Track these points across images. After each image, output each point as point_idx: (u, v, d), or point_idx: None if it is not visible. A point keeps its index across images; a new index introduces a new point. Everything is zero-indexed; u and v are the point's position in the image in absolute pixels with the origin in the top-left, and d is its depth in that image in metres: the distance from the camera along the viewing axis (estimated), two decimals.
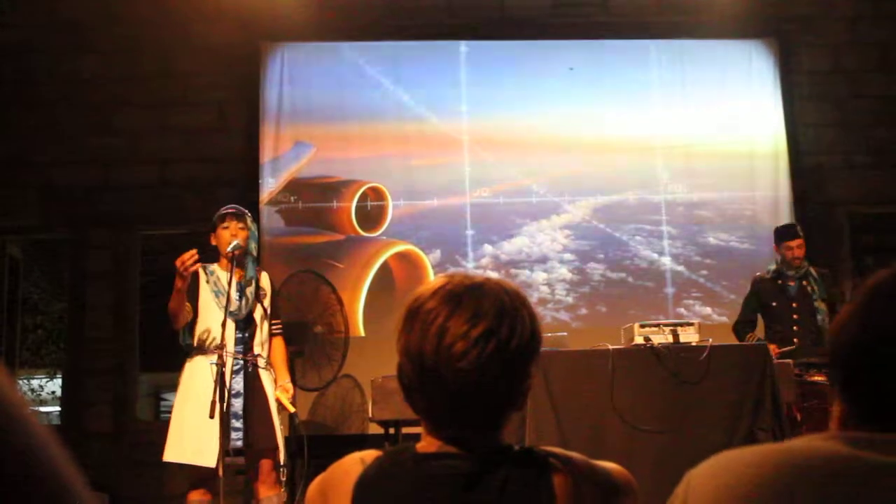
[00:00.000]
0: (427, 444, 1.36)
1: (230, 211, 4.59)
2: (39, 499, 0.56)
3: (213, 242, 4.53)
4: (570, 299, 6.78)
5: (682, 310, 6.80)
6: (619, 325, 6.52)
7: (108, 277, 6.70)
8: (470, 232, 6.87)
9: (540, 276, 6.82)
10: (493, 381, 1.30)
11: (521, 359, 1.34)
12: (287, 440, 4.56)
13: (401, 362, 1.36)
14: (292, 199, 6.87)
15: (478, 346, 1.28)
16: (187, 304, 4.38)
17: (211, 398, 3.98)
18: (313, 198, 6.89)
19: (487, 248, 6.85)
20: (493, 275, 6.51)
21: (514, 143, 6.98)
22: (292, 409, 4.45)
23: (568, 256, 6.86)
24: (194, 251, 4.20)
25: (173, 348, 4.66)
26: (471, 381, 1.28)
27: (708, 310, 6.83)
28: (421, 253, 6.81)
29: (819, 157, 7.08)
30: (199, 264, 4.32)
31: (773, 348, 5.36)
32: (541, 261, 6.86)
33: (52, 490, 0.58)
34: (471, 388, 1.28)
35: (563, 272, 6.83)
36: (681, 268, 6.90)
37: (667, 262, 6.89)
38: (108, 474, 5.97)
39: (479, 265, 6.80)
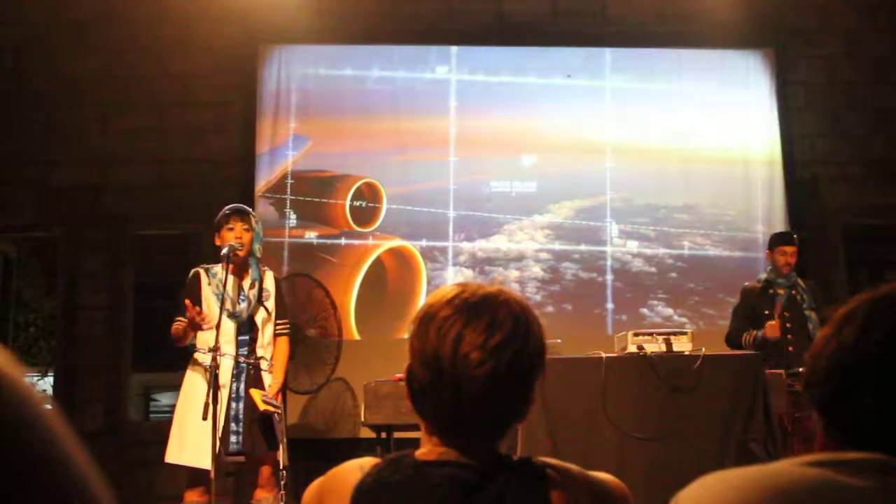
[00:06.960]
0: (427, 452, 1.36)
1: (234, 211, 4.54)
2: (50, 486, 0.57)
3: (217, 243, 4.49)
4: (538, 297, 6.82)
5: (644, 310, 6.88)
6: (582, 321, 6.77)
7: (102, 277, 6.69)
8: (451, 227, 6.90)
9: (513, 273, 6.88)
10: (505, 391, 1.31)
11: (532, 370, 1.35)
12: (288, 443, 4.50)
13: (412, 366, 1.36)
14: (287, 191, 6.88)
15: (494, 356, 1.29)
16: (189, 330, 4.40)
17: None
18: (308, 191, 6.90)
19: (465, 245, 6.90)
20: (469, 273, 6.52)
21: (503, 145, 7.01)
22: (262, 408, 4.25)
23: (544, 255, 6.91)
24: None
25: (165, 349, 4.64)
26: (485, 390, 1.29)
27: (669, 311, 6.88)
28: (414, 249, 6.83)
29: (814, 168, 7.10)
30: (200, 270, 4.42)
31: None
32: (516, 259, 6.92)
33: (60, 474, 0.58)
34: (484, 396, 1.29)
35: (536, 271, 6.89)
36: (652, 269, 6.95)
37: (639, 263, 6.95)
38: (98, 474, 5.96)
39: (455, 261, 6.84)
